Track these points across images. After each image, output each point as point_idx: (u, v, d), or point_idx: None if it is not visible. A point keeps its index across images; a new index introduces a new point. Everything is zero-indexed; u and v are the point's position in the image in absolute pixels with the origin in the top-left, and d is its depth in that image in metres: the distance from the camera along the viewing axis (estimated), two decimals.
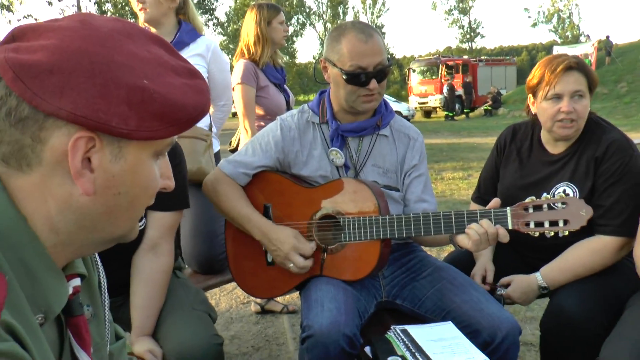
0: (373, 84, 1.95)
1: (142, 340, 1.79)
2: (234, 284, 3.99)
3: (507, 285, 2.14)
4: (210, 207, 2.64)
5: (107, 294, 1.04)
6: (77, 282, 0.90)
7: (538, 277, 2.09)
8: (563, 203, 1.77)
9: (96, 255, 1.03)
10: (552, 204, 1.78)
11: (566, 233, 2.05)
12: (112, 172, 0.81)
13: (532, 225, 1.78)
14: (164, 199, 1.94)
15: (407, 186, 2.13)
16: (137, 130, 0.78)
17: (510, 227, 1.79)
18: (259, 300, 3.71)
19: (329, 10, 64.87)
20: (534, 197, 1.81)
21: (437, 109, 31.27)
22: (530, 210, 1.78)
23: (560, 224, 1.76)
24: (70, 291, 0.87)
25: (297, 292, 2.07)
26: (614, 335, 1.77)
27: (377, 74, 1.95)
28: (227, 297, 4.05)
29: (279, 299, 3.77)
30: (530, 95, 2.21)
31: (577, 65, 2.08)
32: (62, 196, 0.79)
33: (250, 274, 2.13)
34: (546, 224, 1.77)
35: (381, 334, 1.84)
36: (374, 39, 1.94)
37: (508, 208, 1.80)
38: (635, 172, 2.05)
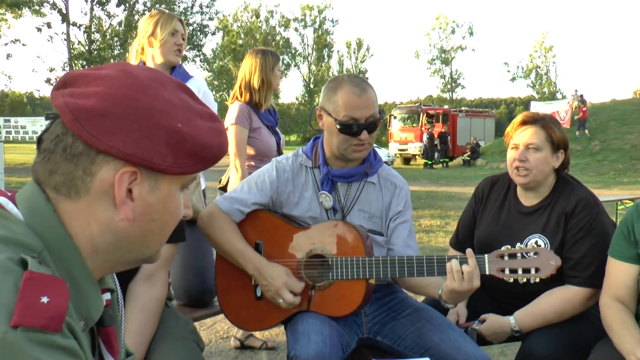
0: (364, 134, 2.10)
1: None
2: (213, 319, 4.07)
3: (480, 321, 2.27)
4: (201, 243, 2.74)
5: (123, 310, 1.15)
6: (108, 296, 1.02)
7: (512, 321, 2.23)
8: (535, 253, 1.93)
9: (115, 277, 1.15)
10: (525, 253, 1.93)
11: (537, 280, 2.19)
12: (148, 202, 0.95)
13: (507, 271, 1.93)
14: None
15: (392, 231, 2.26)
16: (173, 166, 0.93)
17: (487, 273, 1.94)
18: (239, 335, 3.78)
19: (314, 53, 65.91)
20: (508, 246, 1.97)
21: (417, 157, 31.71)
22: (506, 258, 1.94)
23: (532, 271, 1.92)
24: (104, 303, 0.99)
25: (277, 329, 2.19)
26: None
27: (369, 126, 2.10)
28: (207, 331, 4.10)
29: (258, 335, 3.83)
30: (506, 143, 2.43)
31: (533, 120, 2.31)
32: (104, 220, 0.92)
33: (239, 307, 2.23)
34: (519, 271, 1.93)
35: None
36: (367, 93, 2.10)
37: (486, 255, 1.95)
38: (601, 229, 2.23)
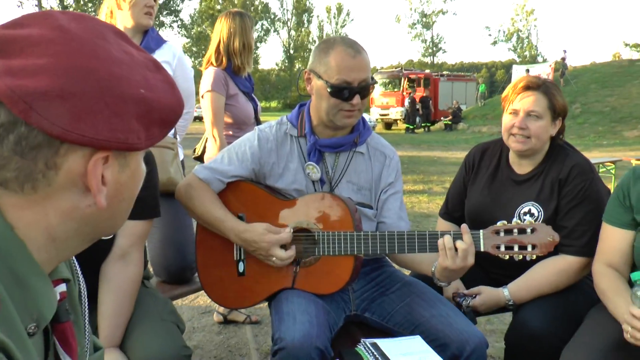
0: (356, 99, 1.97)
1: (110, 351, 1.74)
2: (195, 294, 3.98)
3: (473, 296, 2.19)
4: (181, 217, 2.63)
5: (87, 302, 1.03)
6: (62, 287, 0.88)
7: (506, 294, 2.16)
8: (532, 229, 1.83)
9: (76, 263, 1.02)
10: (521, 229, 1.84)
11: (534, 257, 2.12)
12: (120, 182, 0.82)
13: (502, 248, 1.84)
14: (135, 207, 1.91)
15: (383, 202, 2.15)
16: (145, 140, 0.79)
17: (482, 249, 1.84)
18: (221, 310, 3.68)
19: (293, 18, 65.14)
20: (505, 222, 1.87)
21: (398, 122, 31.61)
22: (502, 234, 1.84)
23: (529, 248, 1.82)
24: (58, 297, 0.86)
25: (261, 303, 2.10)
26: (573, 342, 1.86)
27: (361, 90, 1.97)
28: (188, 307, 4.00)
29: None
30: (503, 106, 2.31)
31: (536, 86, 2.18)
32: (66, 209, 0.78)
33: (220, 283, 2.12)
34: (515, 248, 1.83)
35: (350, 347, 1.86)
36: (361, 55, 1.97)
37: (481, 231, 1.85)
38: (595, 195, 2.15)
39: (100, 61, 0.76)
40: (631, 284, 1.83)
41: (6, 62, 0.73)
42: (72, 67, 0.73)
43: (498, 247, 1.84)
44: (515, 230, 1.84)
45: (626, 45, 62.02)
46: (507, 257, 1.88)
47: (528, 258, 2.15)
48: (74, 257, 0.99)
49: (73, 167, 0.75)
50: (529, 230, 1.83)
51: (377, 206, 2.16)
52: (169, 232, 2.66)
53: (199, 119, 9.47)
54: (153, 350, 1.74)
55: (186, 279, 2.69)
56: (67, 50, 0.75)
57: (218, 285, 2.14)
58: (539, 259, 2.15)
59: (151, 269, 2.61)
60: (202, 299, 4.10)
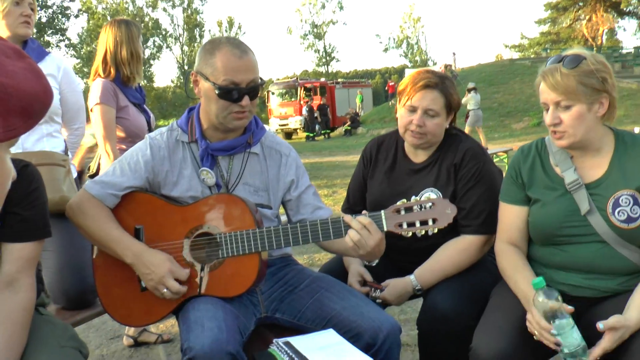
0: (245, 100, 1.93)
1: None
2: (102, 318, 3.77)
3: (381, 289, 2.21)
4: (77, 237, 2.46)
5: None
6: None
7: (412, 280, 2.20)
8: (431, 204, 1.87)
9: None
10: (421, 206, 1.88)
11: (435, 231, 2.19)
12: None
13: (404, 225, 1.86)
14: (21, 228, 1.77)
15: (297, 200, 2.14)
16: (5, 131, 0.71)
17: (385, 229, 1.86)
18: (131, 332, 3.52)
19: (185, 33, 64.09)
20: (404, 200, 1.91)
21: (298, 130, 31.85)
22: (402, 212, 1.87)
23: (430, 222, 1.86)
24: None
25: (172, 319, 2.03)
26: (482, 323, 1.92)
27: (250, 91, 1.94)
28: (95, 333, 3.79)
29: (152, 328, 3.60)
30: (398, 99, 2.34)
31: (436, 85, 2.23)
32: None
33: (123, 302, 2.02)
34: (417, 224, 1.86)
35: (263, 349, 1.82)
36: (248, 55, 1.94)
37: (382, 211, 1.87)
38: (489, 176, 2.26)
39: None
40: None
41: None
42: None
43: (400, 225, 1.86)
44: (416, 207, 1.87)
45: (506, 46, 66.34)
46: (410, 234, 1.90)
47: (430, 232, 2.22)
48: None
49: None
50: (428, 205, 1.87)
51: (275, 206, 2.14)
52: (65, 254, 2.49)
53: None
54: None
55: (88, 302, 2.52)
56: None
57: (121, 304, 2.03)
58: (444, 240, 2.22)
59: (44, 296, 2.44)
60: (110, 323, 3.90)
